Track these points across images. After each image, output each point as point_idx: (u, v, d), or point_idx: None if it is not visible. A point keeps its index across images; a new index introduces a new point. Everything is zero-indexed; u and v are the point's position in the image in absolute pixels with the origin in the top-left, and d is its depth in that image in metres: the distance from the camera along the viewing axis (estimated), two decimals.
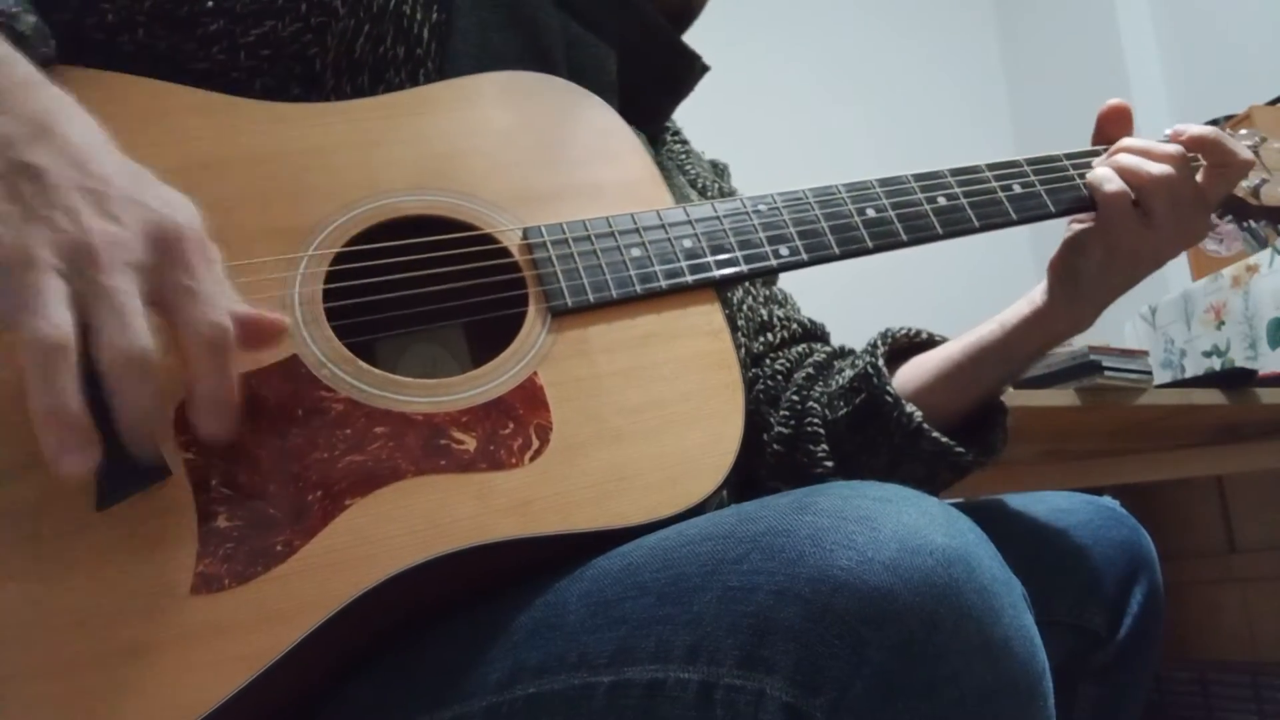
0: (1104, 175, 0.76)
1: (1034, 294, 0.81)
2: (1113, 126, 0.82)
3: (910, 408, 0.78)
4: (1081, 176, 0.78)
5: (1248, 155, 0.77)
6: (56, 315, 0.47)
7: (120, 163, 0.53)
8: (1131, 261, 0.77)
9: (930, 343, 0.86)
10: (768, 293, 0.95)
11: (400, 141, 0.67)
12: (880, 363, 0.81)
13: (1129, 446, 2.06)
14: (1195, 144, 0.77)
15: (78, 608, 0.50)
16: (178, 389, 0.55)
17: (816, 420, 0.83)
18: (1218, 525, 2.36)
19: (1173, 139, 0.78)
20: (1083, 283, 0.78)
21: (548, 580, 0.56)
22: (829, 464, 0.82)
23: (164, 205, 0.52)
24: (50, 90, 0.54)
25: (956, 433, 0.80)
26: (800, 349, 0.91)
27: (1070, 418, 1.78)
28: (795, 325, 0.93)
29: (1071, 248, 0.79)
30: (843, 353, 0.92)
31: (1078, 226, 0.79)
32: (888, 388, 0.79)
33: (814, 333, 0.95)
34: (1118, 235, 0.76)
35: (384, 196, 0.64)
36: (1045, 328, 0.81)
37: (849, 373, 0.84)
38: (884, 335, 0.85)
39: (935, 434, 0.78)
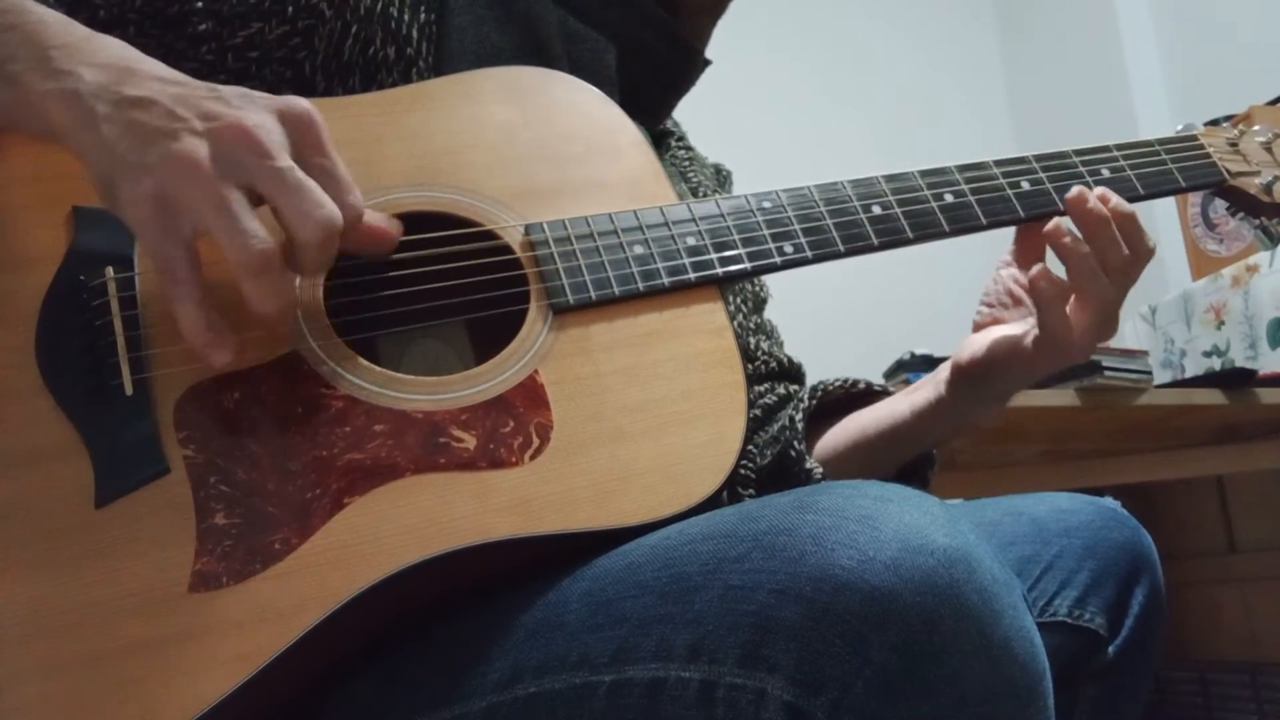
0: (1048, 291, 0.72)
1: (939, 382, 0.81)
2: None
3: (810, 464, 0.80)
4: (1093, 174, 0.78)
5: (1152, 244, 0.74)
6: (253, 228, 0.50)
7: (209, 82, 0.54)
8: (1045, 365, 0.76)
9: (868, 393, 0.87)
10: (758, 320, 0.95)
11: (400, 138, 0.66)
12: (799, 417, 0.82)
13: (1129, 446, 2.06)
14: (1117, 218, 0.73)
15: (76, 606, 0.50)
16: (184, 376, 0.55)
17: (749, 465, 0.84)
18: (1218, 525, 2.36)
19: (1095, 196, 0.73)
20: (995, 385, 0.79)
21: (548, 579, 0.56)
22: None
23: (276, 96, 0.54)
24: (113, 39, 0.55)
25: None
26: (761, 389, 0.91)
27: (1070, 418, 1.78)
28: (774, 362, 0.93)
29: (990, 361, 0.77)
30: (790, 397, 0.92)
31: (999, 333, 0.78)
32: (794, 443, 0.81)
33: (789, 372, 0.94)
34: (1047, 353, 0.74)
35: (384, 193, 0.64)
36: (956, 418, 0.81)
37: (780, 423, 0.85)
38: (813, 389, 0.86)
39: None
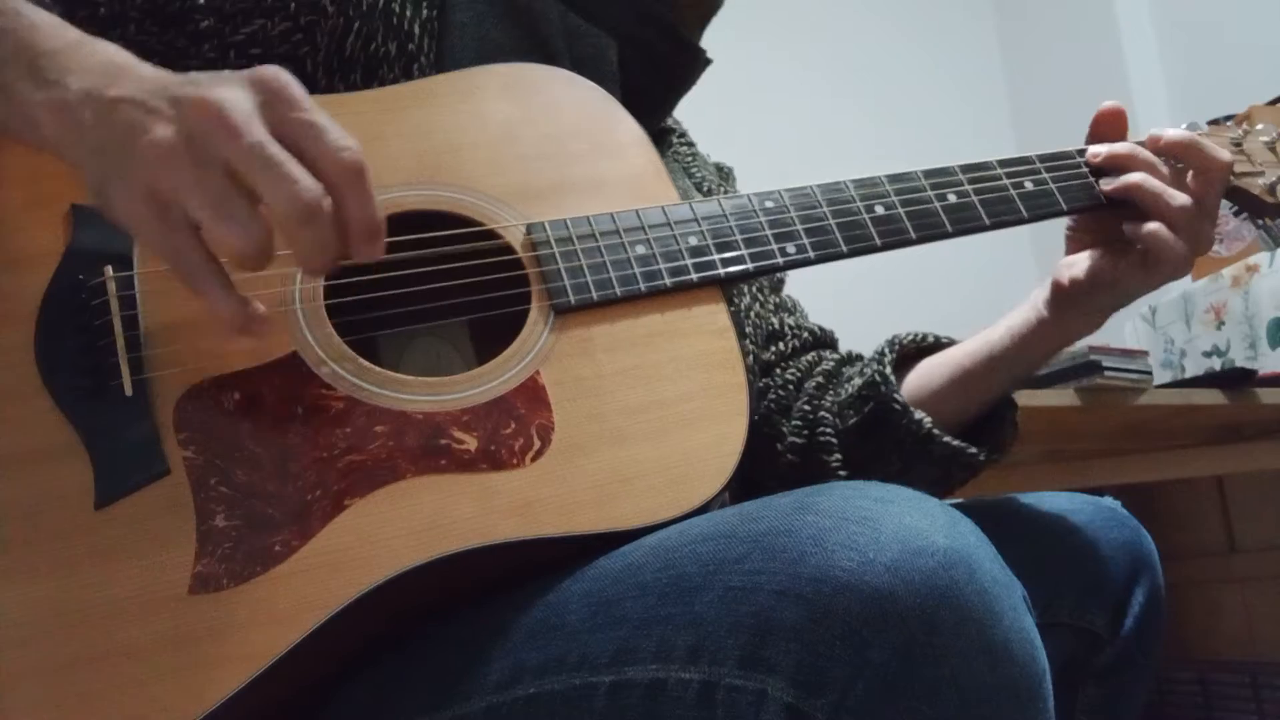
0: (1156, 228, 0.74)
1: (1038, 304, 0.81)
2: (1108, 129, 0.81)
3: (919, 414, 0.79)
4: (1096, 174, 0.78)
5: (1227, 156, 0.76)
6: (240, 212, 0.49)
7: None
8: (1155, 282, 0.77)
9: (937, 346, 0.87)
10: (777, 300, 0.95)
11: (402, 135, 0.66)
12: (888, 370, 0.82)
13: (1129, 446, 2.06)
14: (1175, 149, 0.76)
15: (76, 608, 0.50)
16: (184, 377, 0.55)
17: (829, 430, 0.84)
18: (1218, 525, 2.36)
19: (1150, 144, 0.77)
20: (1100, 301, 0.79)
21: (548, 580, 0.56)
22: (843, 473, 0.83)
23: (247, 69, 0.52)
24: (106, 43, 0.54)
25: (965, 431, 0.81)
26: (810, 357, 0.92)
27: (1070, 418, 1.78)
28: (805, 333, 0.94)
29: (1097, 278, 0.78)
30: (851, 359, 0.92)
31: (1100, 253, 0.78)
32: (895, 395, 0.80)
33: (823, 340, 0.95)
34: (1161, 268, 0.75)
35: (385, 191, 0.63)
36: (1059, 336, 0.81)
37: (858, 381, 0.84)
38: (891, 342, 0.86)
39: (946, 439, 0.78)
